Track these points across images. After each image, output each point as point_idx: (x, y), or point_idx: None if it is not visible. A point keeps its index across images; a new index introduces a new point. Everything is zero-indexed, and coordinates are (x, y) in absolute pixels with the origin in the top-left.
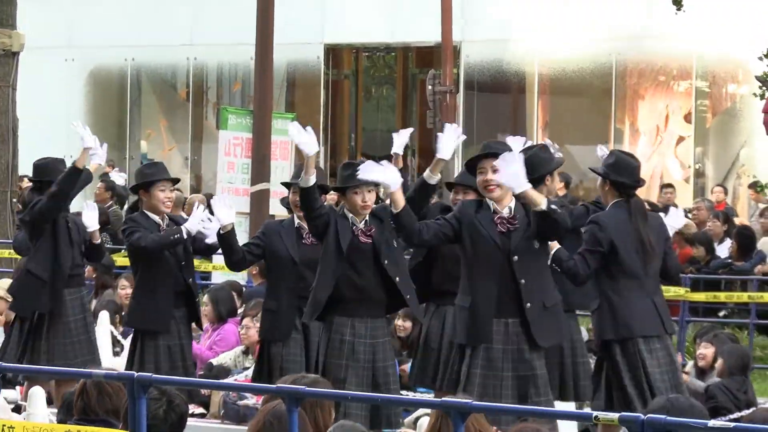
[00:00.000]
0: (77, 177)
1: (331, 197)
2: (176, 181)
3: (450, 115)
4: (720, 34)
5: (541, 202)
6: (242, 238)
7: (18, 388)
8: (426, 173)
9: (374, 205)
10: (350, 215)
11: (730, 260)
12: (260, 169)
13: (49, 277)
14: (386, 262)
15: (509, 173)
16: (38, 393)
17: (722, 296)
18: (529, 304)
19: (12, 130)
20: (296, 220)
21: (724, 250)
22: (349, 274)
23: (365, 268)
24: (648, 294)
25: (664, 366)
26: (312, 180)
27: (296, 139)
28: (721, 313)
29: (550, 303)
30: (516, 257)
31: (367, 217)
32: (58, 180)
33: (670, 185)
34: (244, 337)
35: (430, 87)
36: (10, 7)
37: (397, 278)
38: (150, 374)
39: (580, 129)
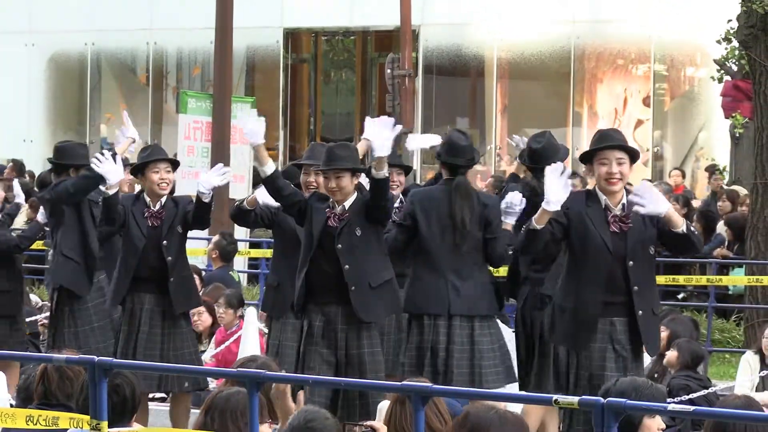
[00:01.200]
0: (95, 185)
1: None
2: (175, 162)
3: (409, 99)
4: (678, 17)
5: (681, 223)
6: None
7: None
8: (373, 172)
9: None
10: (331, 199)
11: None
12: (220, 153)
13: (82, 260)
14: (339, 246)
15: (652, 199)
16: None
17: (681, 279)
18: (640, 312)
19: None
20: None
21: None
22: (320, 261)
23: (333, 253)
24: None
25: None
26: (269, 169)
27: (243, 126)
28: (680, 296)
29: (658, 310)
30: (631, 262)
31: (348, 203)
32: (76, 183)
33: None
34: (198, 322)
35: (389, 71)
36: None
37: (347, 266)
38: (111, 359)
39: (538, 113)
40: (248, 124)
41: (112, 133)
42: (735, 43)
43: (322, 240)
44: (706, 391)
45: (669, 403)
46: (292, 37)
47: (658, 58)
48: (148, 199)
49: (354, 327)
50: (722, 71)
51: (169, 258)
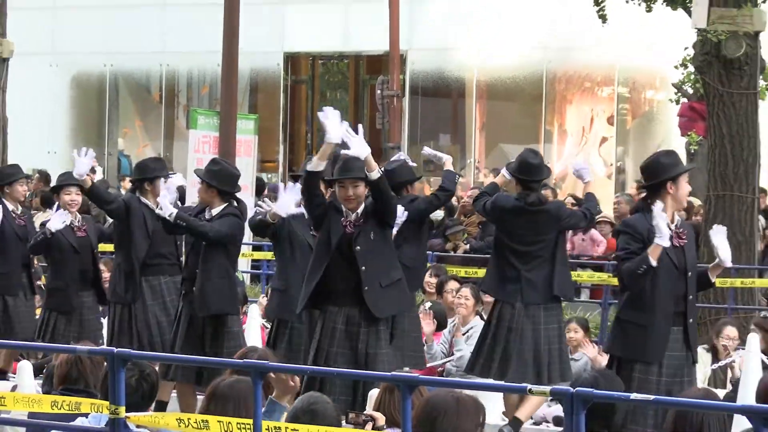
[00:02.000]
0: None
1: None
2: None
3: (397, 117)
4: (639, 45)
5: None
6: None
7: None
8: (314, 160)
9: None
10: (342, 207)
11: None
12: None
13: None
14: (358, 248)
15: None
16: (26, 366)
17: None
18: (690, 320)
19: (2, 128)
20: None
21: None
22: (338, 265)
23: (351, 257)
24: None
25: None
26: (321, 166)
27: (326, 121)
28: None
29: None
30: (690, 273)
31: (360, 210)
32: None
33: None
34: None
35: (379, 91)
36: (0, 17)
37: (363, 267)
38: (128, 350)
39: (513, 130)
40: (331, 121)
41: (129, 146)
42: (691, 69)
43: (340, 245)
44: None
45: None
46: (291, 60)
47: (622, 81)
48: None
49: (373, 327)
50: (679, 94)
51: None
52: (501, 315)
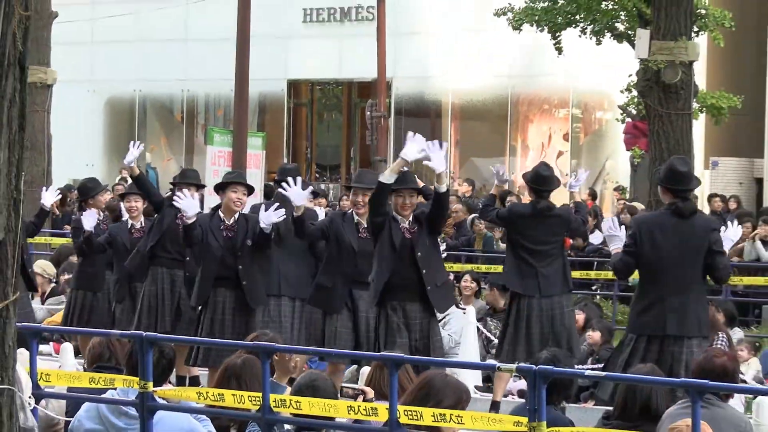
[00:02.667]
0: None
1: (344, 203)
2: (251, 188)
3: (384, 135)
4: (591, 73)
5: None
6: None
7: (51, 344)
8: (386, 174)
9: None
10: (398, 216)
11: (600, 246)
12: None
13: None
14: (420, 254)
15: None
16: (68, 348)
17: (593, 274)
18: None
19: (47, 144)
20: (355, 217)
21: (596, 238)
22: (400, 267)
23: (408, 259)
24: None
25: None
26: (392, 179)
27: (409, 142)
28: (594, 287)
29: None
30: None
31: (410, 218)
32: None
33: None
34: None
35: (368, 113)
36: (45, 49)
37: (424, 270)
38: (155, 334)
39: (483, 146)
40: (411, 143)
41: (156, 160)
42: (634, 93)
43: (401, 250)
44: None
45: (586, 368)
46: (293, 86)
47: (575, 104)
48: (222, 215)
49: (427, 319)
50: (624, 114)
51: (240, 266)
52: (521, 306)
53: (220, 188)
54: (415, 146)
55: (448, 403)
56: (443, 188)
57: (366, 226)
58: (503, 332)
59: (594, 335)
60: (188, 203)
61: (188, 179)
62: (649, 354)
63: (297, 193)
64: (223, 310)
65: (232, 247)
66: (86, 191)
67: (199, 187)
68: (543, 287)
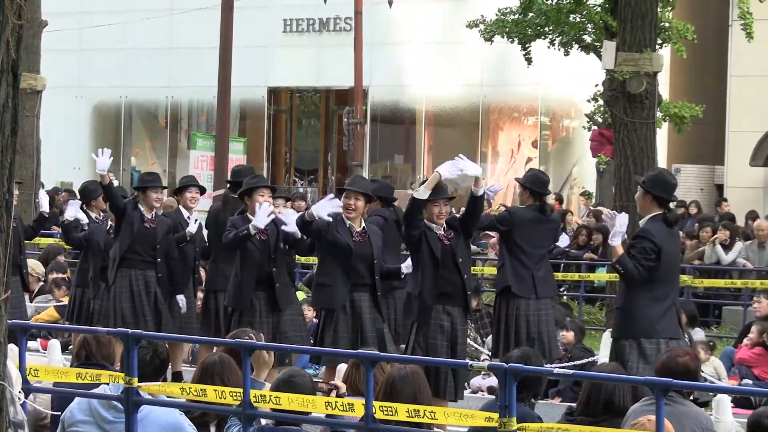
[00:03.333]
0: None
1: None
2: (273, 189)
3: (360, 141)
4: (559, 82)
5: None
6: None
7: (39, 340)
8: (421, 190)
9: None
10: (433, 225)
11: (567, 249)
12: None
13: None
14: (461, 260)
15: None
16: (55, 344)
17: (559, 275)
18: None
19: (36, 148)
20: (347, 221)
21: (563, 241)
22: (444, 273)
23: (452, 265)
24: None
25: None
26: (426, 195)
27: (455, 161)
28: (561, 289)
29: None
30: None
31: (444, 224)
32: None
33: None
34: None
35: (345, 119)
36: (35, 56)
37: (465, 276)
38: (141, 331)
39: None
40: (450, 163)
41: (140, 163)
42: (601, 102)
43: (444, 258)
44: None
45: (555, 367)
46: (273, 93)
47: (544, 112)
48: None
49: (466, 323)
50: (591, 122)
51: (274, 269)
52: (513, 306)
53: (246, 193)
54: (453, 168)
55: (408, 393)
56: (480, 191)
57: (358, 230)
58: (497, 331)
59: (567, 335)
60: (263, 218)
61: (257, 184)
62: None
63: (320, 205)
64: (259, 313)
65: (267, 250)
66: (88, 194)
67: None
68: (539, 289)
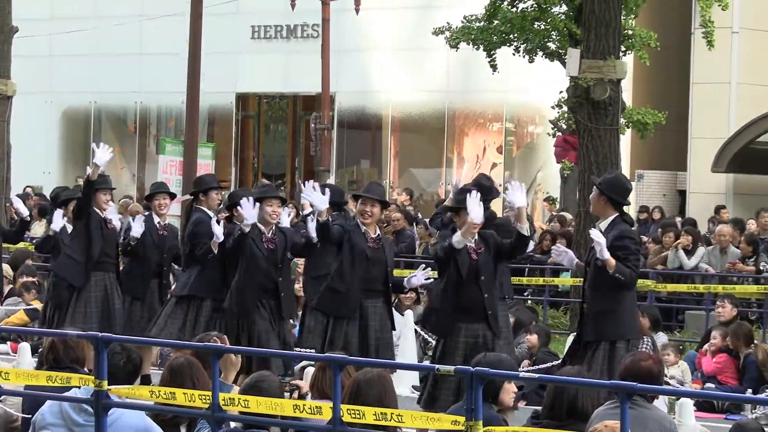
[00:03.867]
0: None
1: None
2: (283, 200)
3: (327, 146)
4: (523, 89)
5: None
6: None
7: (9, 343)
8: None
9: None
10: (362, 227)
11: (531, 254)
12: (188, 184)
13: (83, 260)
14: (483, 278)
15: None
16: (25, 347)
17: (525, 280)
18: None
19: (6, 153)
20: (362, 227)
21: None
22: (468, 289)
23: (475, 283)
24: None
25: None
26: (462, 244)
27: (513, 199)
28: (526, 293)
29: None
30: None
31: (476, 237)
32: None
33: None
34: None
35: (312, 125)
36: (5, 62)
37: (486, 294)
38: (110, 334)
39: (421, 157)
40: (479, 210)
41: (109, 169)
42: (565, 108)
43: (468, 272)
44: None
45: (520, 371)
46: (242, 99)
47: (509, 118)
48: (262, 227)
49: (495, 341)
50: (555, 129)
51: (280, 278)
52: None
53: (257, 201)
54: (481, 210)
55: (374, 396)
56: (525, 231)
57: (373, 236)
58: None
59: (531, 338)
60: (249, 212)
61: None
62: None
63: (320, 198)
64: (270, 320)
65: (275, 259)
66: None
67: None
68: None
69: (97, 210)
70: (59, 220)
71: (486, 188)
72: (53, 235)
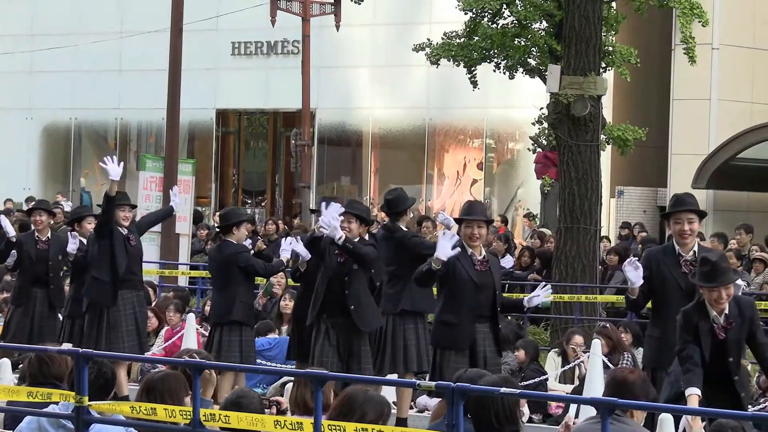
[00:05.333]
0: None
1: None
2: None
3: (307, 162)
4: (504, 105)
5: None
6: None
7: None
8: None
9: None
10: (468, 249)
11: (511, 270)
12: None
13: (110, 279)
14: (497, 292)
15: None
16: (6, 363)
17: (504, 296)
18: None
19: None
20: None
21: (507, 262)
22: (476, 297)
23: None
24: None
25: None
26: (438, 267)
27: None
28: None
29: None
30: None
31: (483, 251)
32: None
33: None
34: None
35: (293, 141)
36: None
37: (491, 311)
38: (91, 350)
39: (401, 173)
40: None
41: (90, 184)
42: (545, 125)
43: (477, 282)
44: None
45: (501, 387)
46: (222, 115)
47: (489, 134)
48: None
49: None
50: (535, 145)
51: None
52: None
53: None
54: (449, 245)
55: (372, 417)
56: (531, 305)
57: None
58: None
59: (519, 354)
60: (333, 221)
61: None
62: None
63: (329, 216)
64: (336, 336)
65: (342, 271)
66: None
67: (133, 207)
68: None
69: (119, 228)
70: (74, 244)
71: (388, 202)
72: (71, 258)
